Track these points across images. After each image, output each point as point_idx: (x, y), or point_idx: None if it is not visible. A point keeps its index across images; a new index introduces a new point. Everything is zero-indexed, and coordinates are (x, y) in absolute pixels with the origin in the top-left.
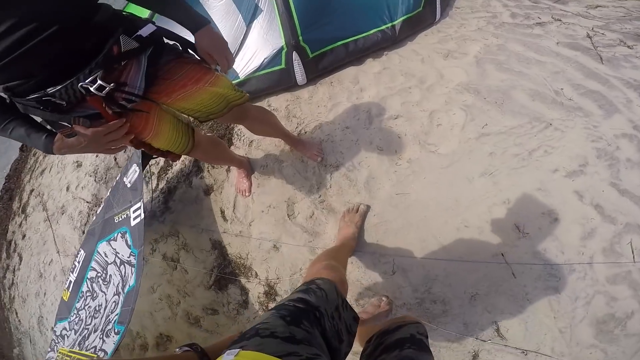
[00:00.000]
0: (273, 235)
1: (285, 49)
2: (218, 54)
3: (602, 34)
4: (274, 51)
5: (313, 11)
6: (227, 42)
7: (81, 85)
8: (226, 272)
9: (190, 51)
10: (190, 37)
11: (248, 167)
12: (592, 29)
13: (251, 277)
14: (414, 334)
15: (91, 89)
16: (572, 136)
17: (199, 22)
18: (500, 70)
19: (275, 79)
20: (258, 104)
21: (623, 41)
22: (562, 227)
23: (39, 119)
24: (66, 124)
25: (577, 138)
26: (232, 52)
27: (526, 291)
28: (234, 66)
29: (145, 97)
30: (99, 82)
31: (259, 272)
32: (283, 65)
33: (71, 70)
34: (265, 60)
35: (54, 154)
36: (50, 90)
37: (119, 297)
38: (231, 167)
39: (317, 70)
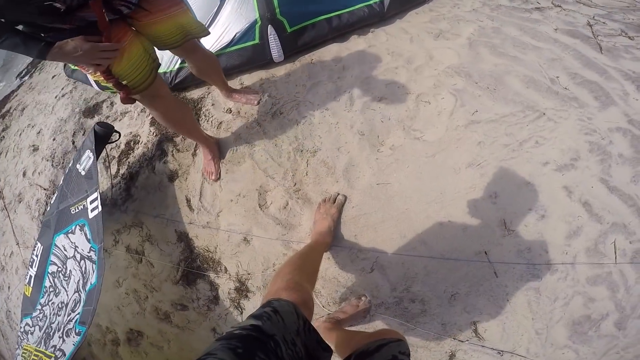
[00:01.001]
0: (243, 227)
1: (260, 23)
2: None
3: (604, 22)
4: (247, 25)
5: None
6: None
7: None
8: (194, 267)
9: None
10: None
11: (215, 148)
12: (594, 17)
13: (220, 271)
14: (395, 355)
15: None
16: (566, 128)
17: None
18: (494, 54)
19: (248, 55)
20: (229, 82)
21: (624, 31)
22: (548, 224)
23: None
24: (60, 26)
25: (571, 130)
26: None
27: (507, 291)
28: (203, 40)
29: (130, 16)
30: None
31: (228, 267)
32: (257, 41)
33: None
34: (237, 35)
35: (45, 59)
36: None
37: (79, 295)
38: (198, 150)
39: (296, 47)
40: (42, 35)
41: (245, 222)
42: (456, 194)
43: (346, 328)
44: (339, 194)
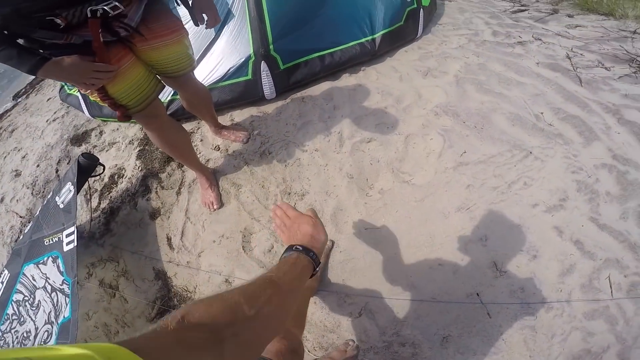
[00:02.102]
0: (225, 268)
1: (253, 58)
2: (211, 12)
3: (581, 54)
4: (241, 60)
5: (288, 19)
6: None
7: (90, 9)
8: (170, 305)
9: (178, 3)
10: None
11: (212, 176)
12: (572, 49)
13: None
14: None
15: (106, 8)
16: (553, 166)
17: None
18: (480, 91)
19: (240, 90)
20: (220, 117)
21: (601, 62)
22: (540, 264)
23: None
24: (57, 42)
25: (558, 169)
26: (197, 57)
27: (501, 331)
28: (196, 71)
29: (128, 40)
30: (115, 2)
31: None
32: (249, 77)
33: None
34: (231, 70)
35: (36, 75)
36: (60, 11)
37: (51, 326)
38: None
39: (288, 84)
40: (40, 51)
41: (228, 264)
42: (446, 237)
43: None
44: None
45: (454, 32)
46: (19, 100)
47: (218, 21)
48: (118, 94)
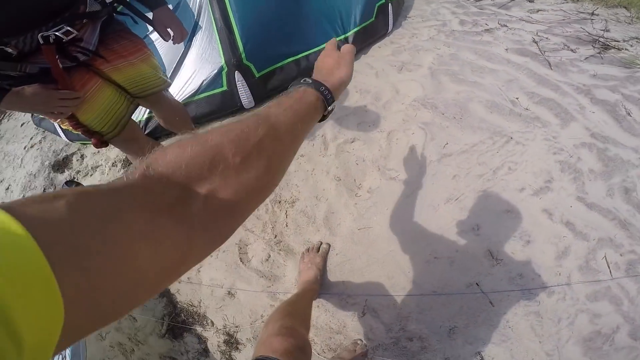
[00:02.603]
0: (225, 281)
1: (226, 69)
2: (175, 26)
3: (547, 38)
4: (214, 72)
5: (258, 25)
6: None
7: (41, 35)
8: (179, 321)
9: (140, 22)
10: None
11: None
12: (537, 33)
13: (207, 325)
14: None
15: (58, 34)
16: (534, 149)
17: (158, 1)
18: (455, 81)
19: (217, 102)
20: (200, 130)
21: (567, 45)
22: (535, 248)
23: None
24: (11, 74)
25: (539, 151)
26: (169, 73)
27: (507, 319)
28: (170, 89)
29: (89, 64)
30: (67, 28)
31: (215, 321)
32: (225, 87)
33: (35, 23)
34: (205, 82)
35: None
36: (9, 39)
37: (64, 351)
38: None
39: (266, 91)
40: (2, 85)
41: (228, 277)
42: (438, 230)
43: None
44: (322, 243)
45: (423, 24)
46: None
47: (185, 35)
48: (90, 121)
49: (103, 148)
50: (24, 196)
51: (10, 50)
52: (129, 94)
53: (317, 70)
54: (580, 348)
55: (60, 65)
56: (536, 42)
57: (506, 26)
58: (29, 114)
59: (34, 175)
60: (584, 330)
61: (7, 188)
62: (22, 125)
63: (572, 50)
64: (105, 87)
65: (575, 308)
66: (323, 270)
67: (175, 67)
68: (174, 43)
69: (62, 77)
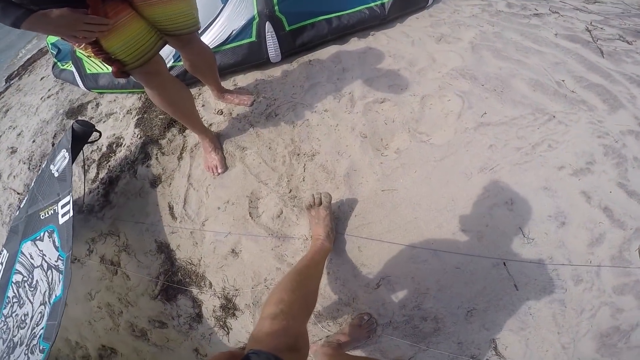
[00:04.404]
0: (231, 237)
1: (257, 19)
2: None
3: (601, 28)
4: (244, 22)
5: None
6: None
7: None
8: (174, 281)
9: None
10: None
11: (216, 139)
12: (591, 23)
13: (204, 287)
14: None
15: None
16: (577, 131)
17: None
18: (498, 57)
19: (244, 53)
20: (222, 83)
21: (622, 37)
22: (569, 231)
23: None
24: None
25: (583, 133)
26: (203, 26)
27: (529, 305)
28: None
29: None
30: None
31: (213, 282)
32: (253, 38)
33: None
34: (234, 32)
35: (20, 27)
36: None
37: (45, 307)
38: (185, 153)
39: (294, 47)
40: (31, 7)
41: (234, 232)
42: (469, 200)
43: (348, 352)
44: (321, 194)
45: (466, 2)
46: (12, 82)
47: None
48: (113, 49)
49: (122, 94)
50: (33, 142)
51: None
52: (162, 31)
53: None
54: (595, 343)
55: None
56: (589, 31)
57: (557, 13)
58: (50, 69)
59: (47, 122)
60: (603, 325)
61: (19, 134)
62: (41, 79)
63: (627, 42)
64: (137, 19)
65: (600, 300)
66: (332, 222)
67: (210, 22)
68: None
69: (95, 2)
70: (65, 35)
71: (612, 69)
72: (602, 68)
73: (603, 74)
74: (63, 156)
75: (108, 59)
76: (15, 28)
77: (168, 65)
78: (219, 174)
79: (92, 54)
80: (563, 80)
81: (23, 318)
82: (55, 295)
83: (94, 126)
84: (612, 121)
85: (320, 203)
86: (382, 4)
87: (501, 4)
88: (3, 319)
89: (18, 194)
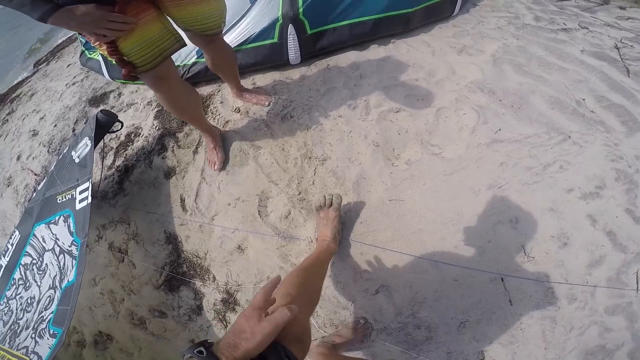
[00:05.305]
0: (239, 233)
1: (281, 21)
2: None
3: (631, 46)
4: (268, 23)
5: None
6: None
7: None
8: (179, 272)
9: None
10: None
11: (218, 137)
12: (621, 40)
13: (208, 280)
14: None
15: None
16: (591, 153)
17: None
18: (519, 72)
19: (265, 53)
20: (242, 82)
21: None
22: (570, 252)
23: None
24: None
25: (597, 155)
26: (230, 25)
27: (521, 320)
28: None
29: None
30: None
31: (217, 276)
32: (275, 39)
33: None
34: (256, 33)
35: (46, 22)
36: None
37: (54, 291)
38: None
39: (314, 50)
40: (59, 2)
41: (242, 229)
42: (474, 216)
43: (342, 354)
44: (333, 195)
45: (492, 13)
46: (40, 67)
47: None
48: (127, 49)
49: (145, 85)
50: (55, 126)
51: None
52: (188, 30)
53: (229, 330)
54: None
55: None
56: (618, 48)
57: (587, 28)
58: (77, 56)
59: (70, 107)
60: (590, 343)
61: (42, 118)
62: (68, 66)
63: None
64: (156, 21)
65: (590, 319)
66: (340, 225)
67: (236, 21)
68: None
69: (122, 1)
70: (86, 32)
71: (637, 89)
72: (626, 88)
73: (626, 94)
74: (85, 144)
75: (121, 60)
76: (42, 22)
77: (191, 61)
78: (216, 169)
79: (107, 53)
80: (583, 99)
81: (29, 301)
82: (68, 280)
83: (117, 116)
84: (628, 144)
85: (331, 204)
86: (407, 13)
87: (529, 17)
88: (6, 300)
89: (35, 174)
